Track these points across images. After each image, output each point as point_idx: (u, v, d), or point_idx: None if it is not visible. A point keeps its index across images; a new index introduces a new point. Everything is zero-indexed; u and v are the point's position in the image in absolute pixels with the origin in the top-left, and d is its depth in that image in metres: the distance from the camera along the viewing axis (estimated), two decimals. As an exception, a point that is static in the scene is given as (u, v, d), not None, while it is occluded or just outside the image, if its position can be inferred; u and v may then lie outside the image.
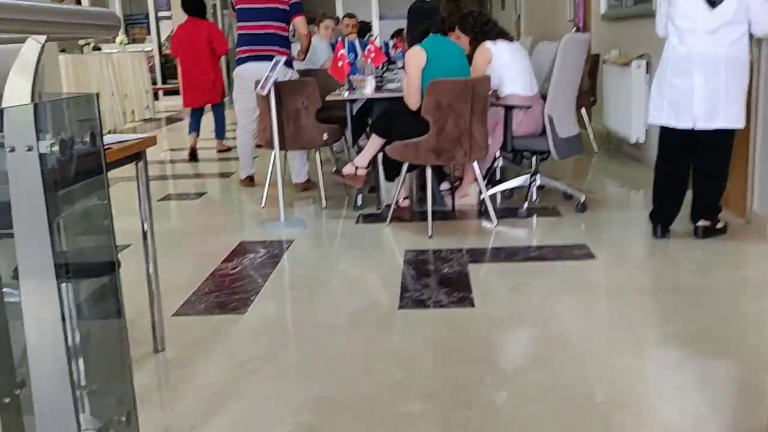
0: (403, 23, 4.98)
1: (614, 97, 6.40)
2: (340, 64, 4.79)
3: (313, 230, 4.58)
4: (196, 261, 4.07)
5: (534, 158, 4.72)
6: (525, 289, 3.34)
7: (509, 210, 4.72)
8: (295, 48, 5.80)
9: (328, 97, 4.88)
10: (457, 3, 5.56)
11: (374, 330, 2.96)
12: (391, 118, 4.48)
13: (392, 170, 4.53)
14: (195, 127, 7.31)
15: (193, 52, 7.07)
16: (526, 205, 4.59)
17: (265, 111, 4.81)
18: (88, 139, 1.19)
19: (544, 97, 4.62)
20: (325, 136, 5.05)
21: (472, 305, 3.15)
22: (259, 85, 4.55)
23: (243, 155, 5.81)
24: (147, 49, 16.61)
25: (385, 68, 6.72)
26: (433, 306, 3.17)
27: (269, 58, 4.83)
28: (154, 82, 16.23)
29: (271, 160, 4.87)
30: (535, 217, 4.58)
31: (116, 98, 10.44)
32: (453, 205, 4.85)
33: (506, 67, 4.60)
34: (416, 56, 4.25)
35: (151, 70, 16.40)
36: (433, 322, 3.00)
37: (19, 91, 1.12)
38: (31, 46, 1.11)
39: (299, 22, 5.43)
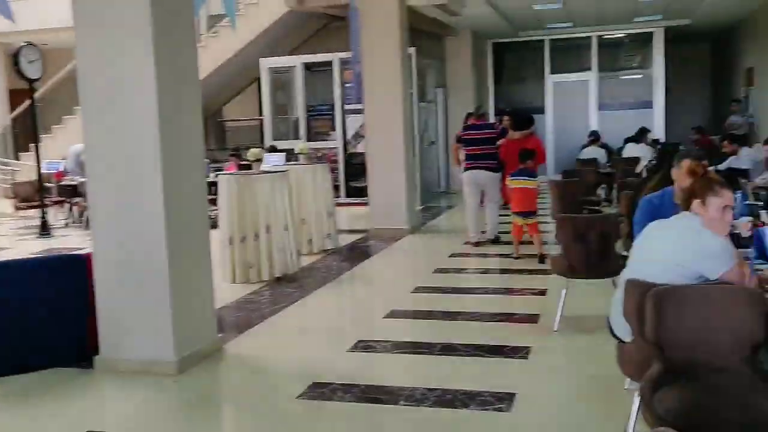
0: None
1: None
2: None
3: None
4: None
5: None
6: None
7: None
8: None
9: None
10: None
11: None
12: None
13: None
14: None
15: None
16: None
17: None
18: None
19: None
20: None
21: None
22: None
23: (470, 223, 9.06)
24: (331, 146, 14.27)
25: None
26: None
27: (485, 168, 8.82)
28: (336, 187, 13.75)
29: None
30: None
31: (290, 231, 7.71)
32: None
33: None
34: None
35: (332, 170, 13.96)
36: None
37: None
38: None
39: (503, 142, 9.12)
